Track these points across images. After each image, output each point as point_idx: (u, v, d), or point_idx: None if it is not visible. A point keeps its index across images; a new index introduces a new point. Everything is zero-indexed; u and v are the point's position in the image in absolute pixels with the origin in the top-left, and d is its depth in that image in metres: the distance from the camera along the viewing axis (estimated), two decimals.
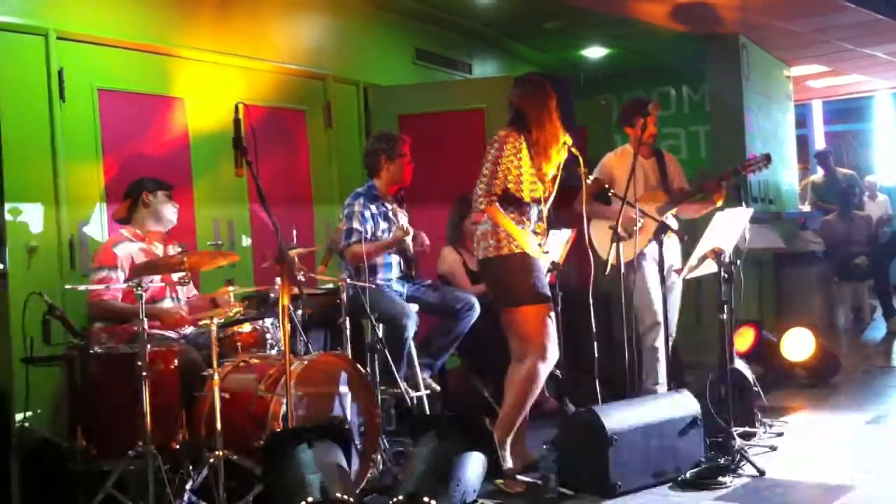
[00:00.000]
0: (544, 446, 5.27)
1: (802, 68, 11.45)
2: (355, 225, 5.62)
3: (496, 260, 4.85)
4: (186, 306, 5.15)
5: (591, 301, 4.91)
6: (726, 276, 5.11)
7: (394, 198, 5.83)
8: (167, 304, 5.04)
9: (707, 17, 8.75)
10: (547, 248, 4.93)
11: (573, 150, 4.90)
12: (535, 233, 4.89)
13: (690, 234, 5.61)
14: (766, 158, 5.87)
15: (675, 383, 5.53)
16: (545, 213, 4.97)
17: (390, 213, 5.80)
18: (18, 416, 4.35)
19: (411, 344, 5.59)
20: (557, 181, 4.97)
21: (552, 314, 4.89)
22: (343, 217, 5.69)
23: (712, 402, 5.15)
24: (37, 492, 4.24)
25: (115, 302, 4.84)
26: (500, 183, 4.76)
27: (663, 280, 5.40)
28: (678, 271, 5.84)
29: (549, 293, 4.91)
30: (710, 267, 5.20)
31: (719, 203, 5.86)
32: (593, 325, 5.03)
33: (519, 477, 4.80)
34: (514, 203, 4.83)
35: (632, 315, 5.63)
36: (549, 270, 5.06)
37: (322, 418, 4.39)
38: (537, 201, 4.90)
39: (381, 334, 5.34)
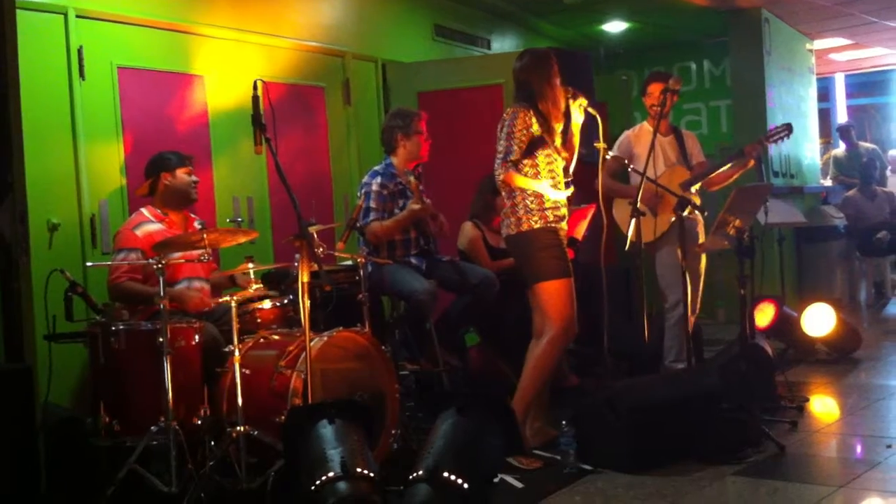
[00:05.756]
0: (563, 423, 5.27)
1: (825, 41, 11.35)
2: (372, 204, 5.63)
3: (517, 236, 4.91)
4: (208, 284, 5.16)
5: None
6: (746, 251, 5.10)
7: (411, 173, 5.81)
8: (186, 284, 5.04)
9: None
10: (567, 181, 4.94)
11: (590, 110, 4.93)
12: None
13: (711, 209, 5.59)
14: (788, 128, 5.87)
15: (696, 359, 5.52)
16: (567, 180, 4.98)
17: (408, 190, 5.79)
18: (42, 393, 4.38)
19: (430, 320, 5.59)
20: (576, 147, 4.99)
21: (573, 290, 4.90)
22: (360, 195, 5.68)
23: (732, 377, 5.13)
24: (61, 468, 4.27)
25: (135, 284, 4.83)
26: (517, 151, 4.80)
27: (685, 256, 5.37)
28: (700, 247, 5.82)
29: (569, 267, 4.92)
30: (729, 241, 5.18)
31: (751, 165, 5.87)
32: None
33: (538, 452, 4.81)
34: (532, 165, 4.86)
35: (648, 291, 5.61)
36: (567, 246, 5.05)
37: (342, 394, 4.40)
38: (555, 172, 4.91)
39: (400, 310, 5.34)
